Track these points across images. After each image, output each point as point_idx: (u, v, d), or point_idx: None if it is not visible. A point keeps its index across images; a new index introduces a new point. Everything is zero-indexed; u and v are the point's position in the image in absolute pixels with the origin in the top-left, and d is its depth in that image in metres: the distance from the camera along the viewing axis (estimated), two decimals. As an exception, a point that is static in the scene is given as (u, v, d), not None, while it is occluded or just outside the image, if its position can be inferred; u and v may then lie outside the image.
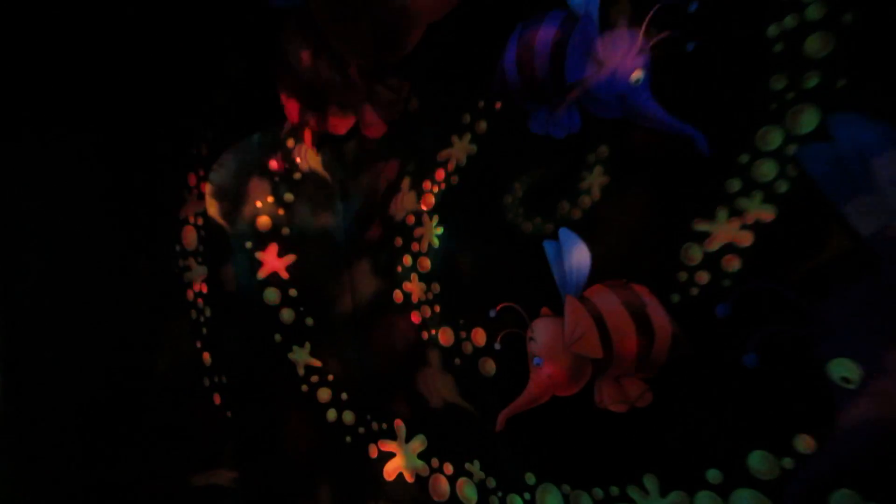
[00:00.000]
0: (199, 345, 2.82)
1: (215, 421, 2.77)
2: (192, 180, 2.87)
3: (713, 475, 1.59)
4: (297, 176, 2.56)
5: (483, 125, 2.09)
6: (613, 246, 1.78)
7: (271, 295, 2.53)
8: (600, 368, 1.74)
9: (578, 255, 1.78)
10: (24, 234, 2.82)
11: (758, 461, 1.53)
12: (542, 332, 1.83)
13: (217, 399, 2.79)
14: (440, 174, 2.19)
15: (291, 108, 2.44)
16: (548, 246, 1.83)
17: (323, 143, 2.47)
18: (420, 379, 2.23)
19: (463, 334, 2.09)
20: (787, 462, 1.49)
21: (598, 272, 1.76)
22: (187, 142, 2.87)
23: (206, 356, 2.80)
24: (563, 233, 1.81)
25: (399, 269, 2.27)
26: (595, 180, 1.83)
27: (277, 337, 2.52)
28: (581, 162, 1.86)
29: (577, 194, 1.86)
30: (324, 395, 2.44)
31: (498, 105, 2.05)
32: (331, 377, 2.46)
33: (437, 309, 2.18)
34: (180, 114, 2.84)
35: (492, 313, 1.91)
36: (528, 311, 1.86)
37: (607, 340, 1.69)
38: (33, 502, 2.59)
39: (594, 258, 1.76)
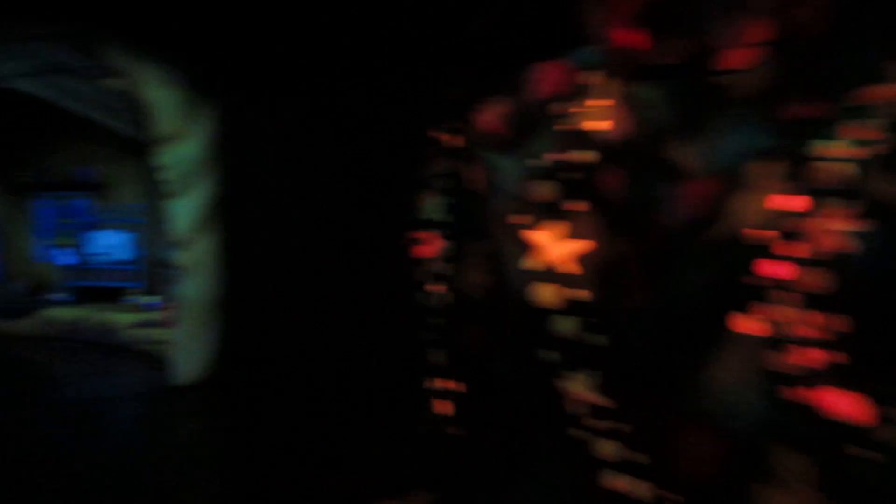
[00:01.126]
0: (431, 338, 2.25)
1: (439, 434, 2.23)
2: (441, 135, 2.29)
3: None
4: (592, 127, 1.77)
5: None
6: None
7: (546, 294, 1.76)
8: None
9: None
10: (250, 194, 2.67)
11: None
12: None
13: (447, 408, 2.22)
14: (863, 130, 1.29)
15: (609, 26, 1.65)
16: None
17: (649, 76, 1.63)
18: (791, 462, 1.37)
19: (890, 409, 1.20)
20: None
21: None
22: (433, 86, 2.33)
23: (442, 355, 2.21)
24: None
25: (755, 282, 1.39)
26: None
27: (545, 354, 1.76)
28: None
29: None
30: (604, 448, 1.64)
31: None
32: (620, 427, 1.63)
33: (841, 357, 1.28)
34: (423, 50, 2.26)
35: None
36: None
37: None
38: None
39: None
